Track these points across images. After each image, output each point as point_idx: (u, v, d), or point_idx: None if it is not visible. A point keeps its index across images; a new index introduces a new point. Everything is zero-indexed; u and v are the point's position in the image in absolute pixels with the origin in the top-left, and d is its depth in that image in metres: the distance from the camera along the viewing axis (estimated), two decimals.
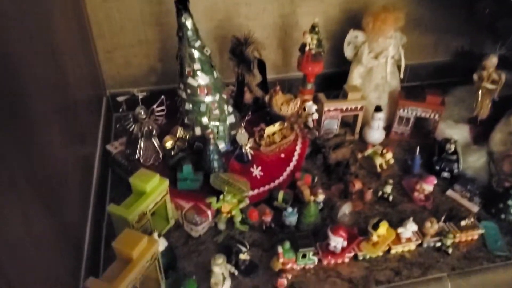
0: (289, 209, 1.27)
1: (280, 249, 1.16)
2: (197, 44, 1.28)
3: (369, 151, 1.54)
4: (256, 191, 1.35)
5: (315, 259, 1.18)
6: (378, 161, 1.51)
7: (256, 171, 1.38)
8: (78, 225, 1.10)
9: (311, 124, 1.56)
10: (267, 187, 1.37)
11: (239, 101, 1.53)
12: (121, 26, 1.60)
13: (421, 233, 1.25)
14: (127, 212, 1.11)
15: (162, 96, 1.37)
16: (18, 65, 0.81)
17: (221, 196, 1.20)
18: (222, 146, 1.43)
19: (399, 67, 1.71)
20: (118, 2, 1.55)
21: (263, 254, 1.22)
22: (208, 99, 1.36)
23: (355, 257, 1.22)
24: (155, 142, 1.38)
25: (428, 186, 1.37)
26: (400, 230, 1.23)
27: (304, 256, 1.16)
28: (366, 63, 1.66)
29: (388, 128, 1.71)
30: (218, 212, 1.25)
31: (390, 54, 1.64)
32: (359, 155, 1.54)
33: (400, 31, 1.66)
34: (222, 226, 1.25)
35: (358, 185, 1.36)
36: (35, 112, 0.87)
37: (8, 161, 0.70)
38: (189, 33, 1.25)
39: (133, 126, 1.36)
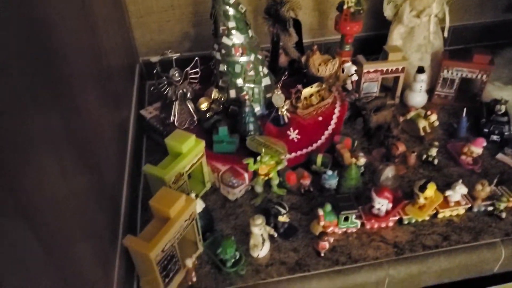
0: (329, 172, 1.21)
1: (320, 212, 1.11)
2: (232, 1, 1.22)
3: (411, 113, 1.46)
4: (293, 154, 1.30)
5: (358, 222, 1.13)
6: (422, 124, 1.42)
7: (293, 134, 1.33)
8: (116, 185, 1.08)
9: (350, 86, 1.49)
10: (304, 150, 1.32)
11: (274, 63, 1.48)
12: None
13: (471, 196, 1.18)
14: (163, 172, 1.08)
15: (196, 58, 1.32)
16: (57, 29, 0.80)
17: (258, 158, 1.15)
18: (257, 109, 1.38)
19: (442, 28, 1.59)
20: None
21: (302, 218, 1.18)
22: (243, 59, 1.30)
23: (400, 221, 1.16)
24: (190, 105, 1.34)
25: (477, 148, 1.28)
26: (448, 193, 1.15)
27: (346, 219, 1.11)
28: (407, 22, 1.56)
29: (430, 91, 1.61)
30: (255, 174, 1.22)
31: (433, 12, 1.53)
32: (401, 119, 1.46)
33: None
34: (259, 189, 1.21)
35: (401, 148, 1.29)
36: (73, 77, 0.86)
37: (50, 120, 0.69)
38: None
39: (167, 89, 1.33)
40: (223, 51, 1.30)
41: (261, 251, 1.07)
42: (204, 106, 1.29)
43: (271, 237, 1.11)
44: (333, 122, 1.40)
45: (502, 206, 1.15)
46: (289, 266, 1.07)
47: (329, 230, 1.12)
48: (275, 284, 1.03)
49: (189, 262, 0.99)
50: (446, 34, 1.58)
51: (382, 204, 1.09)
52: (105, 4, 1.27)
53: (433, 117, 1.41)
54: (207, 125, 1.31)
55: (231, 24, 1.25)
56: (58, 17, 0.82)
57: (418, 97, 1.55)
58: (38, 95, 0.66)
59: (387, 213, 1.12)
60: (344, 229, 1.14)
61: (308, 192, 1.24)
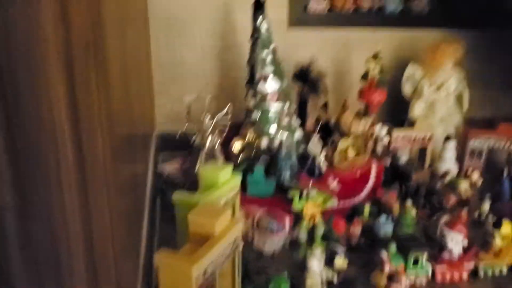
0: (383, 217, 1.06)
1: (385, 255, 0.93)
2: (272, 46, 1.25)
3: (449, 177, 1.38)
4: (336, 204, 1.16)
5: (429, 267, 0.93)
6: (463, 185, 1.33)
7: (333, 184, 1.21)
8: None
9: (379, 149, 1.43)
10: (347, 202, 1.18)
11: (302, 127, 1.43)
12: (181, 57, 1.60)
13: None
14: (197, 198, 0.92)
15: (229, 104, 1.28)
16: None
17: (304, 192, 1.01)
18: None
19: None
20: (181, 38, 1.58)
21: (358, 272, 0.98)
22: (278, 106, 1.27)
23: (475, 273, 0.97)
24: (218, 153, 1.24)
25: None
26: None
27: (416, 262, 0.92)
28: (427, 96, 1.61)
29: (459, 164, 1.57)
30: (297, 220, 1.05)
31: (452, 86, 1.60)
32: (439, 184, 1.37)
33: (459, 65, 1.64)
34: (303, 235, 1.03)
35: (453, 198, 1.18)
36: None
37: None
38: (264, 36, 1.24)
39: (195, 136, 1.25)
40: (258, 98, 1.26)
41: None
42: (237, 146, 1.19)
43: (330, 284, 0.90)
44: (372, 178, 1.30)
45: None
46: None
47: (395, 279, 0.92)
48: None
49: None
50: (465, 108, 1.62)
51: (456, 240, 0.93)
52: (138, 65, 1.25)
53: (475, 175, 1.33)
54: (239, 169, 1.18)
55: (269, 70, 1.25)
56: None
57: (449, 166, 1.50)
58: None
59: (461, 258, 0.95)
60: (412, 278, 0.93)
61: (358, 245, 1.06)
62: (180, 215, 0.96)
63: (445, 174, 1.38)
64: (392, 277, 0.91)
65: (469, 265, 0.96)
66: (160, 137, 1.64)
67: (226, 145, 1.26)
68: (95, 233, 0.51)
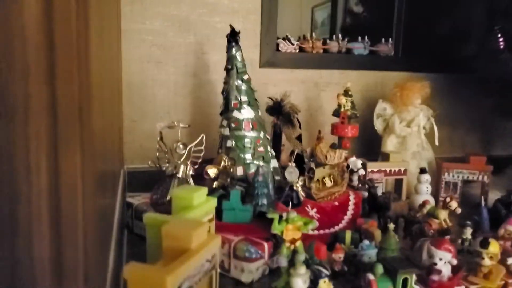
0: (366, 242, 1.01)
1: (371, 276, 0.87)
2: (246, 77, 1.26)
3: (427, 207, 1.35)
4: (316, 232, 1.10)
5: None
6: (442, 215, 1.30)
7: (312, 212, 1.15)
8: None
9: (355, 181, 1.41)
10: (327, 231, 1.13)
11: (277, 155, 1.41)
12: (153, 94, 1.58)
13: None
14: (170, 219, 0.85)
15: (202, 135, 1.24)
16: None
17: (284, 214, 0.95)
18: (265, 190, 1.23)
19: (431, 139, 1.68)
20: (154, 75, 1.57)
21: None
22: (253, 134, 1.24)
23: None
24: (191, 182, 1.18)
25: None
26: (510, 260, 0.97)
27: (405, 283, 0.86)
28: (399, 131, 1.64)
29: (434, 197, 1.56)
30: (276, 247, 0.98)
31: (421, 122, 1.64)
32: (418, 214, 1.35)
33: (427, 104, 1.70)
34: (283, 262, 0.95)
35: (434, 225, 1.14)
36: None
37: None
38: (239, 64, 1.24)
39: (168, 166, 1.19)
40: (232, 125, 1.24)
41: None
42: (212, 172, 1.14)
43: None
44: (350, 208, 1.26)
45: None
46: None
47: None
48: None
49: None
50: (437, 143, 1.65)
51: (445, 258, 0.88)
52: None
53: (454, 204, 1.31)
54: (214, 195, 1.11)
55: (244, 98, 1.24)
56: None
57: (425, 199, 1.48)
58: None
59: (451, 278, 0.89)
60: None
61: (341, 272, 0.99)
62: (151, 238, 0.87)
63: (423, 204, 1.36)
64: None
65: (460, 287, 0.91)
66: (128, 174, 1.56)
67: (198, 177, 1.20)
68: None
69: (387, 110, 1.69)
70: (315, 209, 1.17)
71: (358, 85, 1.84)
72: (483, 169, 1.52)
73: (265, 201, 1.12)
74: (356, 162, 1.43)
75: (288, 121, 1.43)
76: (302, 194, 1.21)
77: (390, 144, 1.66)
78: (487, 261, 0.91)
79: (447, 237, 1.15)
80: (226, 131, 1.25)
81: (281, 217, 0.96)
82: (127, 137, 1.58)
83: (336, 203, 1.25)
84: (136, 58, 1.54)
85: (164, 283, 0.59)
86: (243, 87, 1.25)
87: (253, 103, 1.26)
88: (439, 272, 0.89)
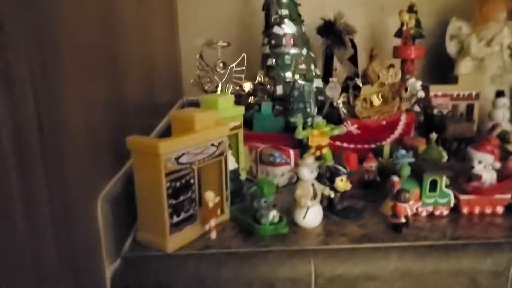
0: (402, 151, 0.94)
1: (395, 178, 0.81)
2: None
3: (497, 130, 1.19)
4: (352, 145, 1.05)
5: (451, 196, 0.79)
6: None
7: (351, 127, 1.10)
8: None
9: (417, 107, 1.29)
10: (366, 146, 1.07)
11: (327, 77, 1.35)
12: (208, 26, 1.61)
13: None
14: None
15: (243, 55, 1.24)
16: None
17: (308, 119, 0.93)
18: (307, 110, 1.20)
19: None
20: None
21: (367, 205, 0.86)
22: (294, 50, 1.21)
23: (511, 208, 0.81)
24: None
25: None
26: None
27: (433, 186, 0.78)
28: (476, 52, 1.44)
29: None
30: (303, 152, 0.96)
31: (505, 40, 1.41)
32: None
33: None
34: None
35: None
36: None
37: None
38: None
39: (209, 84, 1.22)
40: (273, 42, 1.22)
41: (310, 217, 0.75)
42: (247, 87, 1.14)
43: (327, 200, 0.80)
44: (400, 127, 1.17)
45: None
46: (352, 237, 0.72)
47: (410, 205, 0.79)
48: (333, 253, 0.68)
49: (210, 196, 0.69)
50: None
51: (485, 163, 0.78)
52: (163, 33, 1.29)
53: None
54: (248, 114, 1.12)
55: (284, 12, 1.20)
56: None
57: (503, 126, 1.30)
58: None
59: (493, 186, 0.79)
60: (430, 209, 0.80)
61: (373, 183, 0.94)
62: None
63: (493, 127, 1.20)
64: (402, 206, 0.78)
65: (505, 198, 0.80)
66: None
67: (239, 97, 1.22)
68: None
69: (463, 30, 1.49)
70: (355, 125, 1.10)
71: (433, 6, 1.65)
72: None
73: (300, 115, 1.09)
74: (415, 84, 1.30)
75: (340, 41, 1.36)
76: (344, 111, 1.15)
77: (464, 67, 1.47)
78: None
79: None
80: (267, 49, 1.24)
81: (306, 122, 0.93)
82: (185, 68, 1.66)
83: (384, 122, 1.17)
84: None
85: (157, 149, 0.63)
86: (284, 0, 1.21)
87: (295, 17, 1.21)
88: (478, 177, 0.79)
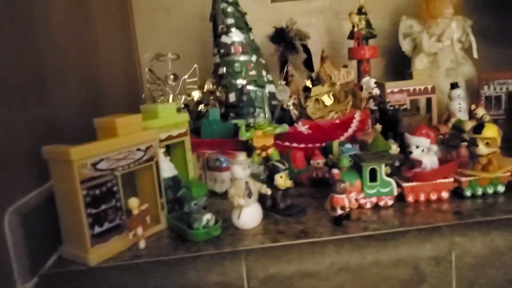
0: (348, 145, 0.92)
1: (335, 170, 0.79)
2: None
3: (452, 120, 1.18)
4: (302, 145, 1.03)
5: (392, 183, 0.76)
6: (468, 126, 1.13)
7: (302, 128, 1.08)
8: None
9: (372, 104, 1.28)
10: (317, 145, 1.05)
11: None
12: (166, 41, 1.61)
13: None
14: None
15: (195, 65, 1.24)
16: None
17: (250, 120, 0.91)
18: (261, 115, 1.18)
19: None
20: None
21: (312, 202, 0.84)
22: (243, 58, 1.20)
23: (459, 195, 0.78)
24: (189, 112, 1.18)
25: None
26: None
27: (373, 176, 0.76)
28: (428, 48, 1.45)
29: None
30: (250, 154, 0.94)
31: (454, 34, 1.43)
32: (442, 128, 1.18)
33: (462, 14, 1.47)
34: (255, 169, 0.92)
35: (443, 129, 0.99)
36: None
37: None
38: None
39: (161, 96, 1.20)
40: (222, 51, 1.21)
41: (246, 216, 0.72)
42: (196, 95, 1.13)
43: (265, 212, 0.77)
44: (353, 125, 1.15)
45: None
46: (290, 234, 0.69)
47: (350, 197, 0.76)
48: (266, 251, 0.65)
49: (134, 203, 0.66)
50: (475, 55, 1.42)
51: (422, 147, 0.76)
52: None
53: (480, 112, 1.12)
54: (197, 125, 1.11)
55: (230, 21, 1.20)
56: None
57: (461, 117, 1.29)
58: None
59: (435, 170, 0.77)
60: (374, 200, 0.77)
61: (322, 180, 0.92)
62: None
63: (448, 117, 1.19)
64: (343, 198, 0.75)
65: (449, 183, 0.77)
66: None
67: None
68: None
69: (414, 28, 1.50)
70: (306, 126, 1.09)
71: (386, 9, 1.67)
72: None
73: (250, 120, 1.08)
74: (369, 82, 1.29)
75: (291, 47, 1.36)
76: (295, 113, 1.14)
77: (419, 64, 1.48)
78: (482, 149, 0.76)
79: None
80: (217, 58, 1.23)
81: (248, 124, 0.91)
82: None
83: (338, 121, 1.15)
84: None
85: (68, 155, 0.60)
86: (229, 9, 1.21)
87: (241, 25, 1.21)
88: (419, 163, 0.77)
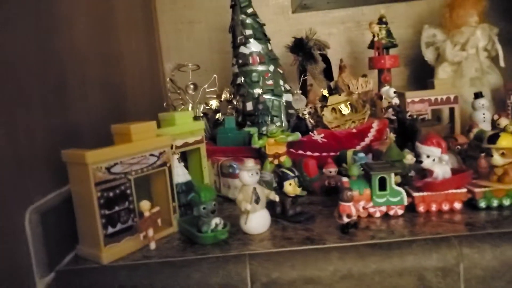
0: (361, 154, 0.92)
1: (344, 178, 0.79)
2: (249, 10, 1.24)
3: (474, 131, 1.15)
4: (316, 153, 1.04)
5: (402, 193, 0.76)
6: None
7: (317, 136, 1.09)
8: None
9: (391, 115, 1.27)
10: (332, 154, 1.05)
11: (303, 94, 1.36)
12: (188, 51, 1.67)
13: None
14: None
15: (214, 75, 1.28)
16: None
17: (263, 128, 0.93)
18: (277, 124, 1.20)
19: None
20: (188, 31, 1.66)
21: (322, 210, 0.84)
22: (260, 68, 1.22)
23: (473, 206, 0.77)
24: (204, 121, 1.22)
25: None
26: None
27: (382, 185, 0.76)
28: (452, 57, 1.42)
29: None
30: (263, 161, 0.96)
31: (480, 42, 1.39)
32: (460, 138, 1.16)
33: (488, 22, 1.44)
34: (267, 176, 0.93)
35: (461, 140, 0.97)
36: None
37: None
38: (242, 0, 1.24)
39: (182, 105, 1.25)
40: (240, 61, 1.24)
41: (253, 221, 0.73)
42: (213, 104, 1.16)
43: (274, 219, 0.78)
44: (370, 134, 1.15)
45: None
46: (297, 240, 0.70)
47: (359, 206, 0.76)
48: (270, 256, 0.66)
49: (145, 206, 0.69)
50: (502, 64, 1.38)
51: (433, 156, 0.75)
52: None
53: (503, 122, 1.09)
54: (214, 133, 1.14)
55: (248, 32, 1.23)
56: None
57: (484, 127, 1.26)
58: None
59: (447, 180, 0.76)
60: (384, 210, 0.77)
61: (335, 188, 0.92)
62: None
63: (470, 128, 1.16)
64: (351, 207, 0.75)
65: (462, 193, 0.76)
66: None
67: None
68: None
69: (438, 37, 1.48)
70: (321, 135, 1.09)
71: (409, 19, 1.66)
72: None
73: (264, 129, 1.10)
74: (388, 91, 1.29)
75: (310, 57, 1.37)
76: (311, 122, 1.15)
77: (442, 73, 1.45)
78: (497, 159, 0.75)
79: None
80: (236, 68, 1.26)
81: (262, 132, 0.93)
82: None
83: (354, 130, 1.15)
84: None
85: (84, 158, 0.64)
86: (248, 21, 1.24)
87: (259, 36, 1.24)
88: (430, 172, 0.76)
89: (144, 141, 0.73)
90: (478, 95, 1.27)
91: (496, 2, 1.53)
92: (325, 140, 1.09)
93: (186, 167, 0.92)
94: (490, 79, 1.39)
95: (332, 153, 1.06)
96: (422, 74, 1.62)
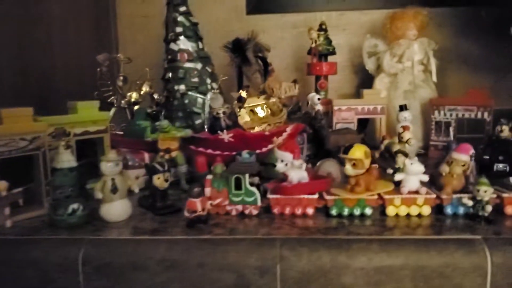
0: (245, 155, 0.95)
1: (208, 176, 0.83)
2: (182, 9, 1.28)
3: (385, 142, 1.17)
4: (217, 152, 1.08)
5: (256, 194, 0.79)
6: (396, 148, 1.12)
7: (225, 135, 1.12)
8: None
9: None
10: (234, 153, 1.09)
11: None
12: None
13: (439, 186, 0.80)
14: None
15: (147, 69, 1.32)
16: None
17: (157, 123, 0.97)
18: (198, 121, 1.24)
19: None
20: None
21: None
22: (187, 65, 1.26)
23: (327, 213, 0.80)
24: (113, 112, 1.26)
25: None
26: (398, 177, 0.80)
27: (238, 184, 0.79)
28: (388, 68, 1.44)
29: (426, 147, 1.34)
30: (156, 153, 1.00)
31: (415, 56, 1.41)
32: (376, 154, 1.18)
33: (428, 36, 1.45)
34: (184, 169, 0.97)
35: None
36: None
37: None
38: None
39: (111, 97, 1.29)
40: (169, 57, 1.28)
41: (107, 209, 0.77)
42: (133, 95, 1.20)
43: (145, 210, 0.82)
44: (281, 138, 1.17)
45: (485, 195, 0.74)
46: (145, 230, 0.74)
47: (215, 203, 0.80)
48: (102, 242, 0.70)
49: (1, 186, 0.74)
50: (434, 78, 1.40)
51: (286, 161, 0.78)
52: None
53: (406, 135, 1.11)
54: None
55: (179, 29, 1.27)
56: None
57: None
58: None
59: (300, 188, 0.79)
60: (240, 208, 0.80)
61: None
62: None
63: (382, 139, 1.18)
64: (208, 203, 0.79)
65: (314, 199, 0.79)
66: None
67: None
68: None
69: (379, 47, 1.49)
70: (231, 134, 1.13)
71: (362, 27, 1.67)
72: (483, 103, 1.23)
73: (178, 124, 1.14)
74: (314, 97, 1.32)
75: (245, 58, 1.40)
76: (226, 121, 1.18)
77: (380, 83, 1.47)
78: (348, 169, 0.77)
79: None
80: (165, 64, 1.30)
81: (156, 127, 0.98)
82: None
83: (267, 132, 1.18)
84: None
85: None
86: (179, 18, 1.28)
87: (189, 34, 1.27)
88: (286, 176, 0.79)
89: (15, 125, 0.78)
90: (402, 108, 1.28)
91: (444, 17, 1.55)
92: (232, 140, 1.12)
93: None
94: (422, 93, 1.40)
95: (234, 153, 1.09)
96: (369, 83, 1.63)
